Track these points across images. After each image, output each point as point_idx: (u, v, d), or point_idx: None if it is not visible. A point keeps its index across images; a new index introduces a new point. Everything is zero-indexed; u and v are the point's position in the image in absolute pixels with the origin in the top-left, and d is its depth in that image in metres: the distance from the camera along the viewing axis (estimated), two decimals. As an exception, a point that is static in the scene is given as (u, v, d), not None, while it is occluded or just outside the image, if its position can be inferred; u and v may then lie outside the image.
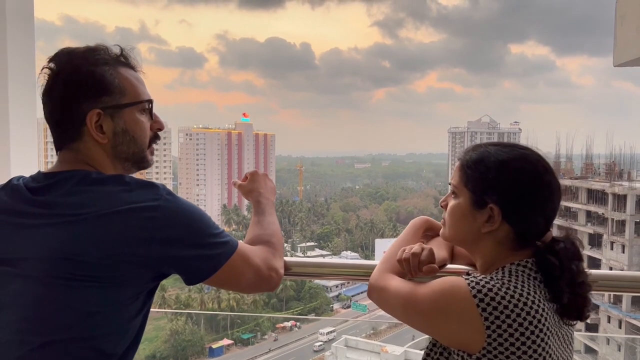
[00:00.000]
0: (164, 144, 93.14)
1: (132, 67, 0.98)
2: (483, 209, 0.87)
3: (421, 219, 1.09)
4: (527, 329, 0.78)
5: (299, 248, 78.94)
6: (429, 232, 1.08)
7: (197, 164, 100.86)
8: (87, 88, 0.91)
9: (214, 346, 33.68)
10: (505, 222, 0.86)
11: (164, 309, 55.47)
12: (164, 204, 0.87)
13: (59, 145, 0.94)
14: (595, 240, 27.88)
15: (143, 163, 1.00)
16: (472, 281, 0.81)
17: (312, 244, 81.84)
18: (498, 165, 0.86)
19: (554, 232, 0.89)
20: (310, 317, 60.27)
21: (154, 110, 1.00)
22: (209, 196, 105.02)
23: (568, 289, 0.83)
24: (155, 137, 1.01)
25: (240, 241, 0.99)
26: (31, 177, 0.92)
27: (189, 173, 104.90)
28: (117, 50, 0.96)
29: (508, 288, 0.80)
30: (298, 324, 57.50)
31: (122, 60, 0.96)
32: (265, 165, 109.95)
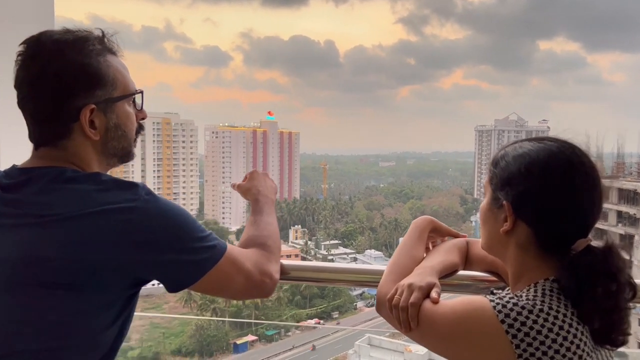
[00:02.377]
0: (191, 141, 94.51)
1: (116, 54, 0.91)
2: (501, 207, 0.80)
3: (425, 220, 1.00)
4: (564, 356, 0.70)
5: (322, 246, 79.12)
6: (433, 234, 1.00)
7: (222, 161, 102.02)
8: (81, 82, 0.84)
9: (238, 342, 34.08)
10: (521, 221, 0.78)
11: (190, 304, 56.40)
12: (142, 205, 0.81)
13: (42, 142, 0.87)
14: (627, 241, 27.32)
15: (129, 157, 0.95)
16: (498, 303, 0.73)
17: (336, 242, 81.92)
18: (516, 159, 0.80)
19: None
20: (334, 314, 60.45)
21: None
22: (234, 193, 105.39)
23: (597, 313, 0.73)
24: (140, 128, 0.96)
25: (231, 244, 0.93)
26: (5, 172, 0.86)
27: (215, 171, 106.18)
28: (99, 34, 0.90)
29: (541, 310, 0.72)
30: (322, 322, 57.59)
31: (109, 47, 0.89)
32: (290, 163, 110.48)
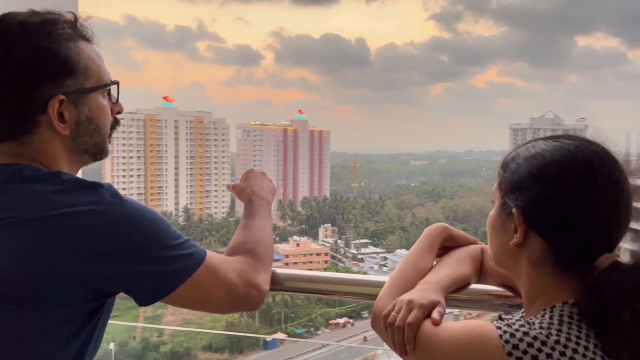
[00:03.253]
0: (223, 140, 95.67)
1: (90, 40, 0.82)
2: (510, 216, 0.69)
3: (438, 227, 0.88)
4: None
5: (352, 245, 78.88)
6: (447, 243, 0.87)
7: (254, 159, 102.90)
8: (49, 70, 0.75)
9: (267, 339, 34.24)
10: (534, 233, 0.67)
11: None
12: (106, 208, 0.72)
13: (4, 136, 0.77)
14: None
15: (102, 154, 0.85)
16: (505, 331, 0.63)
17: (366, 241, 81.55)
18: (528, 160, 0.68)
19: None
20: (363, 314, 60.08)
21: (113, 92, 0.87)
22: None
23: (625, 344, 0.61)
24: (115, 123, 0.87)
25: (211, 252, 0.82)
26: None
27: (246, 168, 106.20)
28: (70, 18, 0.80)
29: (557, 342, 0.61)
30: (351, 320, 57.43)
31: (81, 32, 0.80)
32: (320, 161, 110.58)
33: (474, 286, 0.84)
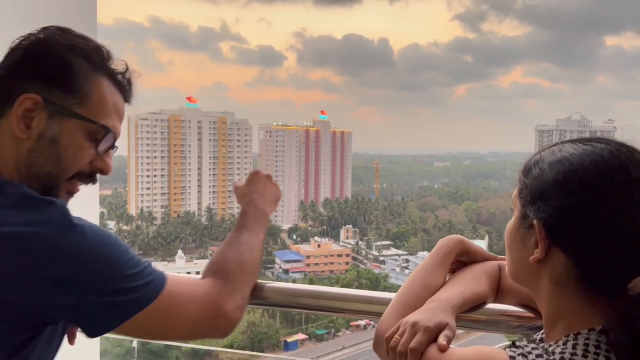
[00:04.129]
0: (245, 140, 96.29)
1: (122, 93, 0.76)
2: (531, 228, 0.61)
3: (453, 240, 0.78)
4: None
5: (374, 246, 78.47)
6: (462, 258, 0.78)
7: (276, 160, 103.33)
8: (46, 68, 0.69)
9: (288, 340, 34.22)
10: (557, 249, 0.58)
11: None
12: (53, 231, 0.63)
13: None
14: None
15: (50, 191, 0.71)
16: None
17: (388, 242, 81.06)
18: (553, 165, 0.60)
19: None
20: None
21: (112, 153, 0.77)
22: (286, 192, 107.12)
23: None
24: (89, 176, 0.75)
25: (174, 277, 0.74)
26: None
27: (268, 169, 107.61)
28: (119, 67, 0.75)
29: None
30: (372, 323, 57.02)
31: (115, 76, 0.75)
32: (342, 162, 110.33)
33: (490, 306, 0.76)
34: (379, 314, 0.74)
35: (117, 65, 0.74)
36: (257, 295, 0.86)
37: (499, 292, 0.76)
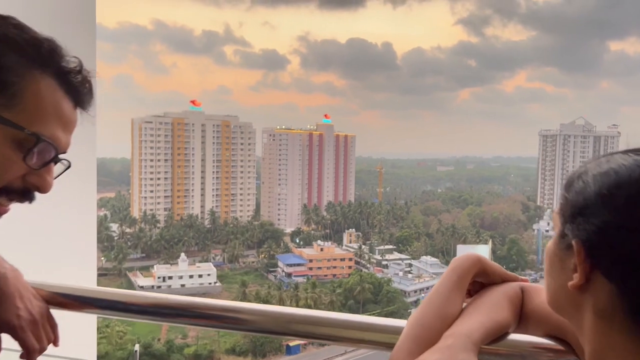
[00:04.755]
0: (249, 144, 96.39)
1: (72, 96, 0.62)
2: (569, 249, 0.51)
3: (469, 260, 0.68)
4: None
5: (377, 251, 78.23)
6: (479, 278, 0.68)
7: (279, 164, 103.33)
8: None
9: (291, 344, 34.08)
10: (599, 274, 0.48)
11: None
12: None
13: None
14: None
15: None
16: None
17: (391, 247, 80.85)
18: (597, 178, 0.51)
19: None
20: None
21: (57, 169, 0.64)
22: (289, 196, 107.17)
23: None
24: (22, 193, 0.62)
25: None
26: None
27: (271, 173, 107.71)
28: (70, 65, 0.62)
29: None
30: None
31: (63, 76, 0.61)
32: (345, 166, 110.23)
33: (513, 336, 0.66)
34: (387, 344, 0.65)
35: (67, 62, 0.61)
36: (240, 320, 0.81)
37: (521, 318, 0.66)
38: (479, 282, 0.68)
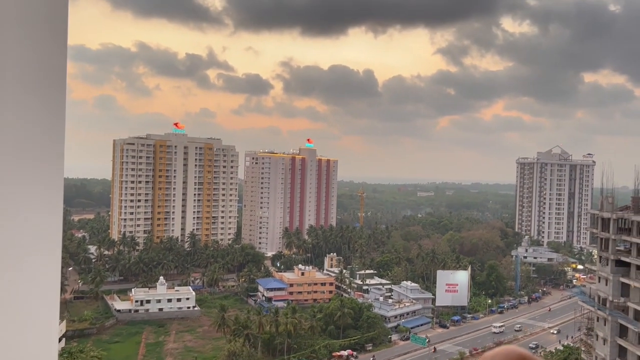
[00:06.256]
0: (231, 167, 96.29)
1: None
2: None
3: (510, 355, 0.58)
4: None
5: (357, 275, 78.11)
6: None
7: (261, 187, 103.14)
8: None
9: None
10: None
11: (223, 329, 56.59)
12: None
13: None
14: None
15: None
16: None
17: (371, 271, 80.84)
18: None
19: None
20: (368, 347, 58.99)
21: None
22: (271, 219, 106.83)
23: None
24: None
25: None
26: None
27: (253, 196, 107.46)
28: None
29: None
30: (355, 353, 56.51)
31: None
32: (327, 190, 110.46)
33: None
34: None
35: None
36: None
37: None
38: None
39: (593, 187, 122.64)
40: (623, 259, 37.21)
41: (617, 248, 38.44)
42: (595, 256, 43.66)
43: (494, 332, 66.26)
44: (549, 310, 78.41)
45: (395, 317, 68.03)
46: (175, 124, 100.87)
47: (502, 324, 69.07)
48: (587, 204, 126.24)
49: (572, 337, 61.67)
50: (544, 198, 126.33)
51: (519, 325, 69.85)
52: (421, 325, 68.51)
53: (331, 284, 79.25)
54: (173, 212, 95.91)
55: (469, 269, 79.05)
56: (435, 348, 59.89)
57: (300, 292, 77.32)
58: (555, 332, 66.76)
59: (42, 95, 1.57)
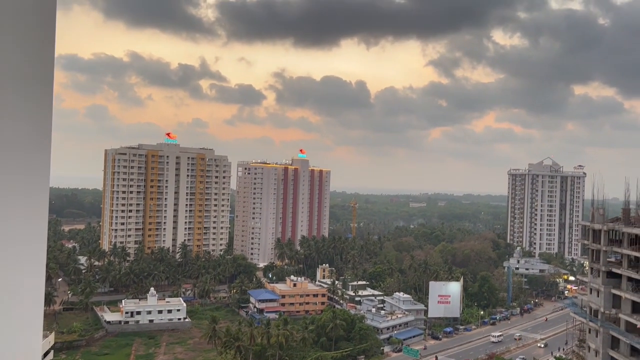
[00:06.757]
0: (224, 177, 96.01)
1: None
2: None
3: None
4: None
5: (350, 286, 77.73)
6: None
7: (253, 197, 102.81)
8: None
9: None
10: None
11: (214, 341, 56.03)
12: None
13: None
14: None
15: None
16: None
17: (364, 283, 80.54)
18: None
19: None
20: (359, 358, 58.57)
21: None
22: (263, 229, 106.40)
23: None
24: None
25: None
26: None
27: (245, 206, 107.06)
28: None
29: None
30: (347, 366, 56.00)
31: None
32: (320, 201, 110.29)
33: None
34: None
35: None
36: None
37: None
38: None
39: (584, 198, 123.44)
40: (614, 270, 37.34)
41: (608, 259, 38.59)
42: (587, 267, 43.77)
43: (493, 342, 66.36)
44: (546, 320, 78.36)
45: (388, 328, 67.73)
46: (168, 134, 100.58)
47: (500, 333, 68.99)
48: (578, 216, 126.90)
49: (563, 349, 61.53)
50: (536, 209, 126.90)
51: (518, 334, 69.84)
52: (414, 336, 68.22)
53: (323, 295, 78.82)
54: (164, 223, 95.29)
55: (461, 280, 78.97)
56: (437, 357, 59.66)
57: (292, 304, 76.81)
58: (542, 345, 66.10)
59: (29, 103, 1.52)
